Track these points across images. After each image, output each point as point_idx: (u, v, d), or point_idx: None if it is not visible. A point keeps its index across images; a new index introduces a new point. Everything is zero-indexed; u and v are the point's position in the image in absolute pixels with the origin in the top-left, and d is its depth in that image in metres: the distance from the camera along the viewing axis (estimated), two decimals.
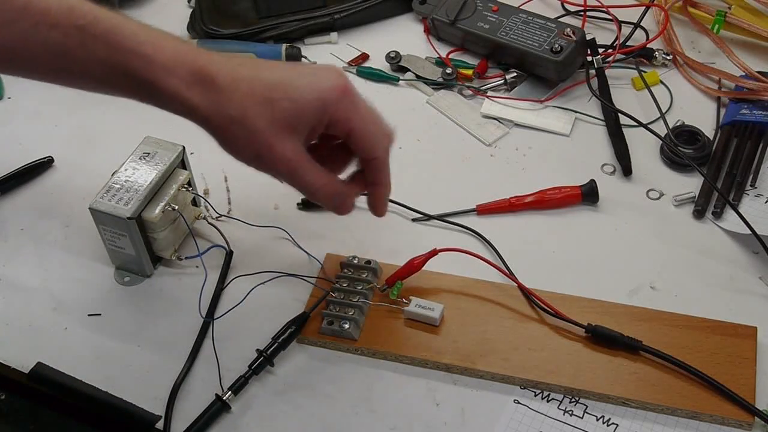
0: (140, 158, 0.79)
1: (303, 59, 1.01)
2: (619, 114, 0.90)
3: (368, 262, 0.78)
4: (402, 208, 0.84)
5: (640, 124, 0.88)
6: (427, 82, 0.99)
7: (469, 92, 0.97)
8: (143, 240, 0.77)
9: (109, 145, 0.92)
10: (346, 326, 0.73)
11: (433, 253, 0.76)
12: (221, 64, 0.64)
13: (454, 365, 0.72)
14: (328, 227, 0.83)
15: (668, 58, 0.99)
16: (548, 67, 0.95)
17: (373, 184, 0.71)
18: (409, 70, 1.00)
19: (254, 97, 0.64)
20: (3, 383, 0.75)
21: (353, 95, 0.67)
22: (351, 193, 0.71)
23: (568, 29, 0.95)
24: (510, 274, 0.77)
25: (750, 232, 0.78)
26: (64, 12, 0.63)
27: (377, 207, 0.73)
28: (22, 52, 0.64)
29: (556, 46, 0.94)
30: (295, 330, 0.73)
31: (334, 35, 1.05)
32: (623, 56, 0.98)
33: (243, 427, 0.70)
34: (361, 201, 0.77)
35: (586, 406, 0.69)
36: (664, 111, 0.93)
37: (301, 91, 0.65)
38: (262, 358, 0.71)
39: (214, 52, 0.65)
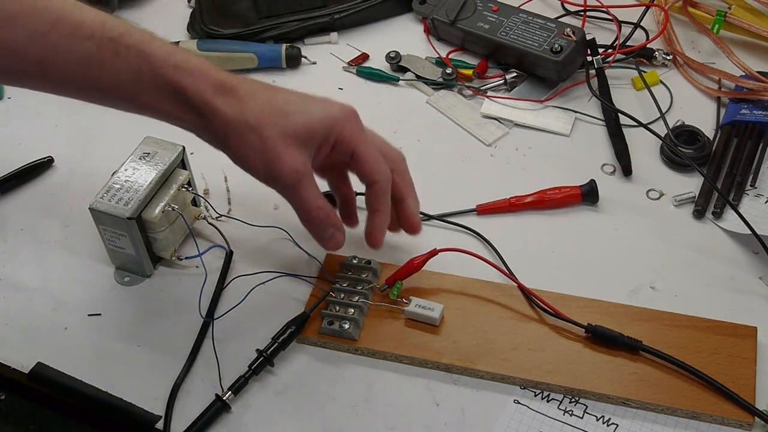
0: (140, 158, 0.79)
1: (303, 59, 1.01)
2: (619, 114, 0.90)
3: (368, 262, 0.78)
4: None
5: (640, 124, 0.88)
6: (427, 82, 0.99)
7: (469, 92, 0.97)
8: (143, 240, 0.77)
9: (109, 145, 0.92)
10: (346, 326, 0.73)
11: (433, 253, 0.76)
12: (240, 80, 0.69)
13: (454, 365, 0.72)
14: None
15: (668, 58, 0.99)
16: (548, 67, 0.95)
17: (372, 210, 0.74)
18: (409, 70, 1.00)
19: (270, 108, 0.68)
20: (3, 383, 0.75)
21: (359, 121, 0.72)
22: (343, 230, 0.74)
23: (568, 29, 0.95)
24: (510, 274, 0.77)
25: (750, 232, 0.78)
26: (98, 24, 0.66)
27: (374, 236, 0.74)
28: (55, 64, 0.66)
29: (556, 46, 0.94)
30: (295, 330, 0.73)
31: (334, 35, 1.05)
32: (623, 56, 0.98)
33: (243, 427, 0.70)
34: (361, 200, 0.77)
35: (586, 406, 0.69)
36: (664, 111, 0.93)
37: (312, 108, 0.70)
38: (262, 358, 0.71)
39: (231, 73, 0.70)
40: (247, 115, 0.67)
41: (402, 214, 0.76)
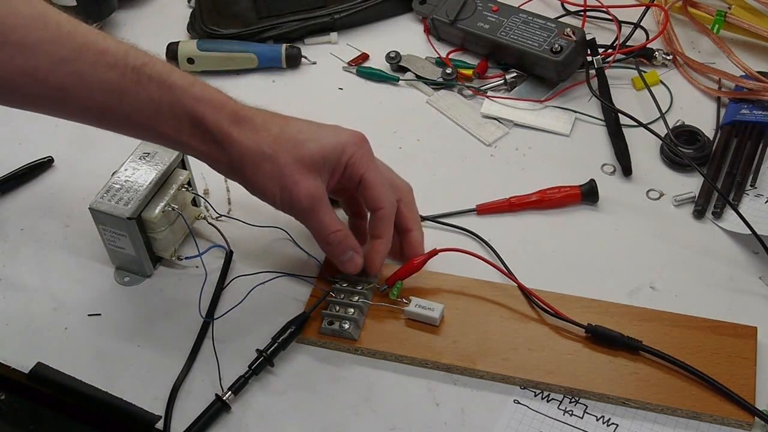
0: (140, 158, 0.79)
1: (303, 59, 1.01)
2: (619, 114, 0.90)
3: None
4: None
5: (640, 124, 0.88)
6: (427, 82, 0.99)
7: (469, 92, 0.97)
8: (143, 240, 0.77)
9: (109, 145, 0.91)
10: (346, 326, 0.73)
11: (433, 253, 0.76)
12: (255, 110, 0.71)
13: (454, 365, 0.72)
14: None
15: (668, 58, 0.99)
16: (548, 67, 0.95)
17: (374, 236, 0.75)
18: (409, 70, 1.00)
19: (285, 136, 0.70)
20: (3, 383, 0.75)
21: (369, 148, 0.73)
22: (360, 252, 0.75)
23: (568, 29, 0.95)
24: (510, 274, 0.77)
25: (750, 232, 0.78)
26: (122, 54, 0.67)
27: (373, 261, 0.75)
28: (76, 91, 0.66)
29: (556, 46, 0.94)
30: (295, 330, 0.73)
31: (334, 35, 1.05)
32: (623, 56, 0.98)
33: (243, 427, 0.70)
34: None
35: (586, 406, 0.69)
36: (664, 111, 0.93)
37: (324, 135, 0.72)
38: (262, 358, 0.71)
39: (247, 104, 0.72)
40: (262, 145, 0.69)
41: (408, 244, 0.77)
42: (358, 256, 0.74)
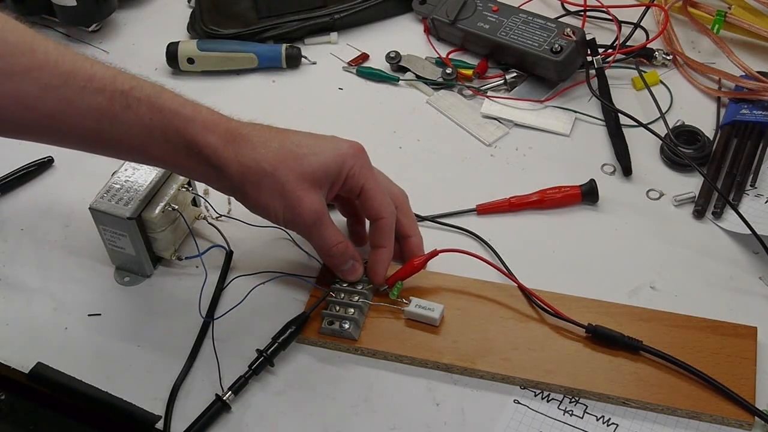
0: None
1: (303, 59, 1.01)
2: (619, 114, 0.90)
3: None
4: None
5: (640, 124, 0.88)
6: (427, 82, 0.99)
7: (469, 92, 0.97)
8: (143, 240, 0.77)
9: None
10: (346, 326, 0.73)
11: (434, 254, 0.76)
12: (251, 126, 0.70)
13: (454, 365, 0.72)
14: None
15: (668, 58, 0.99)
16: (548, 67, 0.95)
17: (376, 246, 0.75)
18: (409, 70, 1.00)
19: (284, 152, 0.69)
20: (3, 383, 0.75)
21: (367, 157, 0.73)
22: (360, 260, 0.75)
23: (568, 29, 0.95)
24: (510, 274, 0.77)
25: (750, 232, 0.78)
26: (110, 78, 0.66)
27: (376, 270, 0.75)
28: (67, 118, 0.66)
29: (556, 46, 0.94)
30: (295, 330, 0.73)
31: (334, 35, 1.05)
32: (623, 56, 0.98)
33: (243, 427, 0.70)
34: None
35: (586, 406, 0.69)
36: (664, 111, 0.93)
37: (324, 148, 0.71)
38: (262, 358, 0.71)
39: (242, 120, 0.71)
40: (261, 162, 0.69)
41: (408, 249, 0.77)
42: (359, 264, 0.75)
